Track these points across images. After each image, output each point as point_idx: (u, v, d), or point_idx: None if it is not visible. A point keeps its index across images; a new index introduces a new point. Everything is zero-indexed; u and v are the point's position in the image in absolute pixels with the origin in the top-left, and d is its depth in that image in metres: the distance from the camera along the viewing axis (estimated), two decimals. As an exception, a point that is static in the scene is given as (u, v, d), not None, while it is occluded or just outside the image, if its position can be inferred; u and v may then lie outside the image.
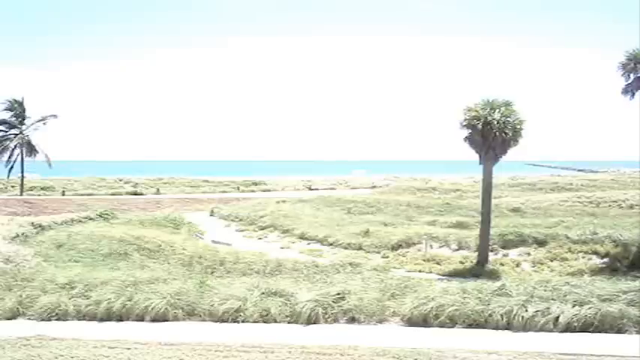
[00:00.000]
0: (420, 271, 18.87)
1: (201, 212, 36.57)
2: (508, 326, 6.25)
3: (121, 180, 64.12)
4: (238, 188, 57.46)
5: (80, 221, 28.21)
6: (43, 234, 23.64)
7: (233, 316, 7.27)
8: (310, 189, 57.32)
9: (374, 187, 57.42)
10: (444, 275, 18.60)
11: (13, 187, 56.19)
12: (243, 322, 7.16)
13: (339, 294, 7.43)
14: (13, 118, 55.07)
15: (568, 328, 6.24)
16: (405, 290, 7.62)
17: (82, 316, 7.75)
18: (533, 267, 19.40)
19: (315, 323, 6.96)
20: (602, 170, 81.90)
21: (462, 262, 20.29)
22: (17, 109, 54.58)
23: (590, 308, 6.39)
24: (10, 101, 54.59)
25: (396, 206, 33.62)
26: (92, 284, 8.52)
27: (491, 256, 20.29)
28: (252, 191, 55.09)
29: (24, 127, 54.94)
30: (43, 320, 7.67)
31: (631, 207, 33.43)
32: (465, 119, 21.16)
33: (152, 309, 7.50)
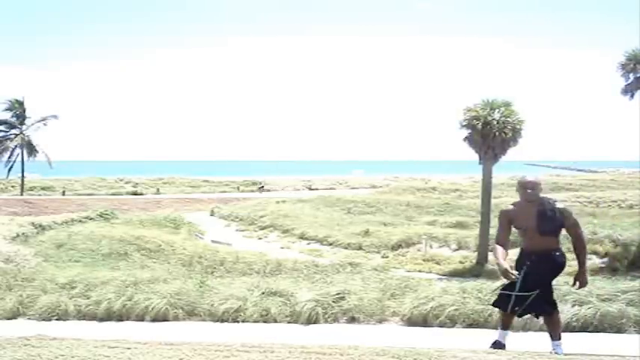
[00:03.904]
0: (419, 271, 18.91)
1: (201, 212, 36.61)
2: (508, 326, 6.24)
3: (121, 180, 64.12)
4: (238, 188, 57.51)
5: (80, 221, 28.23)
6: (43, 234, 23.67)
7: (233, 316, 7.27)
8: (310, 189, 57.36)
9: (374, 187, 57.46)
10: (443, 275, 18.62)
11: (13, 187, 56.23)
12: (243, 321, 7.15)
13: (339, 294, 7.42)
14: (14, 118, 55.11)
15: (567, 328, 6.24)
16: (404, 290, 7.61)
17: (82, 316, 7.74)
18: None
19: (315, 323, 6.96)
20: (601, 170, 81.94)
21: (461, 262, 20.32)
22: (17, 109, 54.62)
23: (589, 308, 6.40)
24: (10, 101, 54.62)
25: (395, 206, 33.65)
26: (92, 284, 8.52)
27: (490, 256, 20.31)
28: (252, 191, 55.15)
29: (24, 127, 54.99)
30: (43, 320, 7.66)
31: (630, 207, 33.49)
32: (465, 119, 21.23)
33: (152, 309, 7.48)
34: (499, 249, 5.38)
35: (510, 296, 5.21)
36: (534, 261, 5.22)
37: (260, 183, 59.29)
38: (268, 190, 55.57)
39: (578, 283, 5.37)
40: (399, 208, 32.97)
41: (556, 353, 5.25)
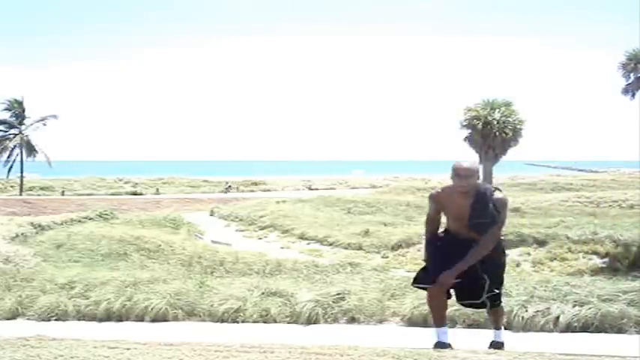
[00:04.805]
0: (419, 271, 18.85)
1: (201, 212, 36.58)
2: (508, 326, 6.24)
3: (120, 180, 64.18)
4: (238, 188, 57.51)
5: (80, 221, 28.21)
6: (42, 234, 23.65)
7: (233, 317, 7.25)
8: (310, 189, 57.38)
9: (374, 187, 57.47)
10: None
11: (12, 187, 56.32)
12: (242, 322, 7.13)
13: (339, 294, 7.40)
14: (13, 118, 55.18)
15: (568, 329, 6.22)
16: (405, 290, 7.59)
17: (81, 316, 7.71)
18: (534, 267, 19.39)
19: (314, 323, 6.94)
20: (602, 170, 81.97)
21: (461, 262, 20.28)
22: (17, 108, 54.69)
23: (590, 308, 6.37)
24: (9, 101, 54.70)
25: (396, 206, 33.62)
26: (92, 284, 8.49)
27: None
28: (252, 191, 55.19)
29: (24, 127, 55.01)
30: (42, 320, 7.64)
31: (631, 207, 33.44)
32: (465, 119, 21.26)
33: (152, 309, 7.46)
34: (429, 235, 5.08)
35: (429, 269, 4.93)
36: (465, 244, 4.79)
37: (227, 183, 59.20)
38: (234, 189, 55.32)
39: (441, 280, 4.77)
40: (399, 208, 32.94)
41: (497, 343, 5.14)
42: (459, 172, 4.73)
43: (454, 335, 5.37)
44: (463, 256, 4.77)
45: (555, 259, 19.87)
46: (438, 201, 4.99)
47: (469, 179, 4.72)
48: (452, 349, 4.91)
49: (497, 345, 5.17)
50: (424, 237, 5.24)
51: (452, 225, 4.98)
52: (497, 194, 4.80)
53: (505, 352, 4.90)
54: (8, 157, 54.43)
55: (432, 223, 5.13)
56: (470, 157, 4.85)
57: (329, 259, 20.80)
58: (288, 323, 7.00)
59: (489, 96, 21.74)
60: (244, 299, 7.43)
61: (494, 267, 4.92)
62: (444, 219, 5.15)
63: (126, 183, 61.83)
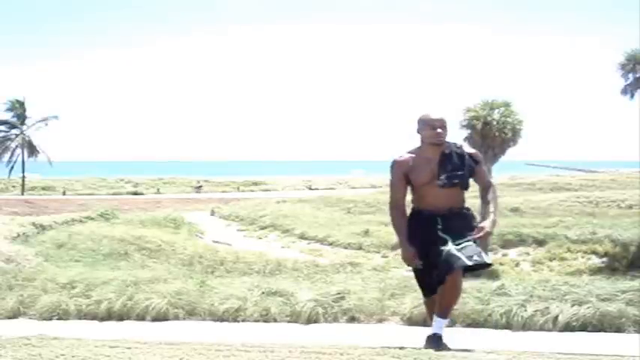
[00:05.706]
0: (419, 271, 18.87)
1: (201, 212, 36.64)
2: (507, 326, 6.26)
3: (121, 180, 64.21)
4: (238, 188, 57.57)
5: (81, 221, 28.27)
6: (44, 234, 23.70)
7: (233, 316, 7.27)
8: (310, 189, 57.42)
9: (374, 187, 57.47)
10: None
11: (14, 187, 56.36)
12: (243, 321, 7.16)
13: (339, 294, 7.42)
14: (14, 119, 55.29)
15: (567, 328, 6.24)
16: (404, 290, 7.61)
17: (83, 315, 7.73)
18: (533, 267, 19.45)
19: (315, 323, 6.97)
20: (601, 170, 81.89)
21: (461, 262, 20.30)
22: (18, 109, 54.79)
23: (589, 308, 6.40)
24: (11, 101, 54.81)
25: (396, 206, 33.63)
26: (93, 284, 8.51)
27: (490, 256, 20.31)
28: (252, 191, 55.24)
29: (25, 127, 55.10)
30: (44, 320, 7.65)
31: (630, 207, 33.45)
32: (465, 119, 21.27)
33: (153, 308, 7.48)
34: (402, 221, 4.40)
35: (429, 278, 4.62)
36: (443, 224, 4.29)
37: (198, 182, 59.06)
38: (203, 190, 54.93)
39: (483, 228, 4.36)
40: (399, 208, 32.94)
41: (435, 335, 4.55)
42: (433, 123, 4.24)
43: (454, 335, 5.41)
44: (435, 244, 4.43)
45: (554, 258, 19.93)
46: (406, 165, 4.32)
47: (443, 130, 4.28)
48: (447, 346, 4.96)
49: (432, 341, 4.50)
50: (395, 225, 4.55)
51: (424, 195, 4.40)
52: (466, 148, 4.48)
53: (504, 351, 4.93)
54: (10, 157, 54.56)
55: (399, 206, 4.46)
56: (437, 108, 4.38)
57: (329, 258, 20.85)
58: (289, 322, 7.02)
59: (489, 96, 21.78)
60: (245, 299, 7.45)
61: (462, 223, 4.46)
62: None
63: (127, 183, 61.87)
